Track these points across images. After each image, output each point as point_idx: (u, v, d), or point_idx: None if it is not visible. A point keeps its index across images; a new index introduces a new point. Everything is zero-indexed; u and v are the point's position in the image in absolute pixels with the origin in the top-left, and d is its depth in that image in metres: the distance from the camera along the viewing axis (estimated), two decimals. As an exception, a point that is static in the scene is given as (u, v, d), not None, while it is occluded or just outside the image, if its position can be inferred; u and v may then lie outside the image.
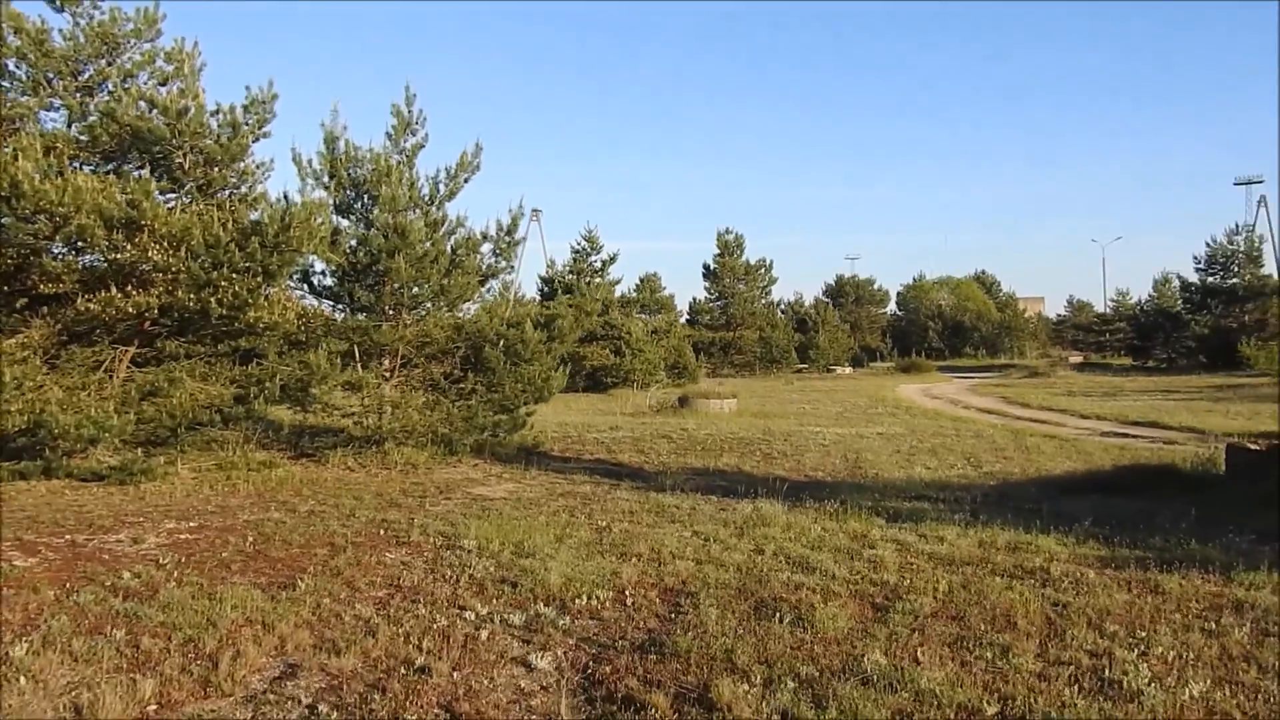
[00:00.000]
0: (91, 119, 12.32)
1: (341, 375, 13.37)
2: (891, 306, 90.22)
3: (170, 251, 11.13)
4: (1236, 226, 55.44)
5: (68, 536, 8.21)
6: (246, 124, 12.81)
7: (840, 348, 63.56)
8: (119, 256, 11.04)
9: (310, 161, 14.50)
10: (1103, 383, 38.23)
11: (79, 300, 11.19)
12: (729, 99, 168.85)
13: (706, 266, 62.02)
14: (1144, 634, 5.32)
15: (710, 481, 12.04)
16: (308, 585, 6.65)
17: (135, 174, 12.22)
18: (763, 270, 63.65)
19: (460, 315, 15.06)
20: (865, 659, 4.92)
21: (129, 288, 11.30)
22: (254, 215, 12.77)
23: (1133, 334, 61.71)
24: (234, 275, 11.51)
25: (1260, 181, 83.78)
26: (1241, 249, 53.68)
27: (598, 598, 6.28)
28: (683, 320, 56.34)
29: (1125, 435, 18.24)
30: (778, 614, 5.73)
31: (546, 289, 39.55)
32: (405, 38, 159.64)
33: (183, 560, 7.47)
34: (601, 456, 15.00)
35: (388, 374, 14.75)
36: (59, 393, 10.68)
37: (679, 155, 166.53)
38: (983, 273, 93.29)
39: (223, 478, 11.98)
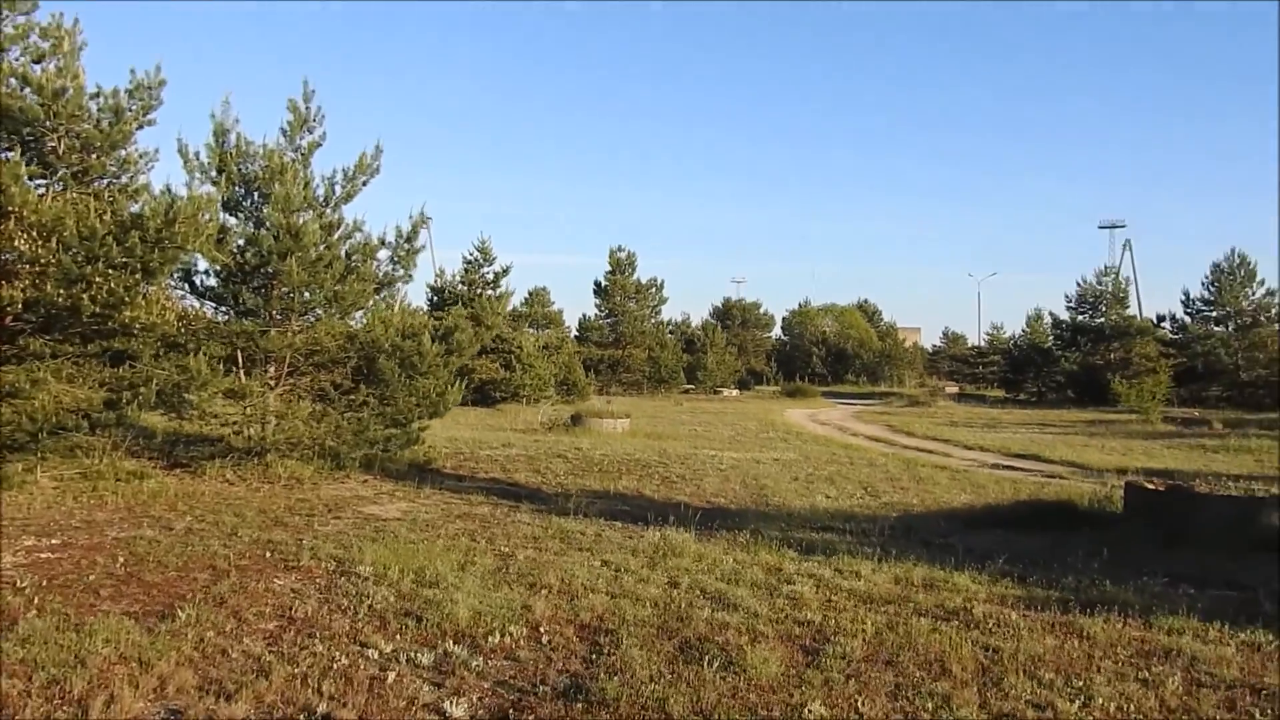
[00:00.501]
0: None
1: (223, 382, 12.58)
2: (777, 331, 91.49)
3: (39, 242, 10.26)
4: (1105, 268, 57.96)
5: (-91, 554, 7.37)
6: (130, 109, 11.97)
7: (727, 370, 63.97)
8: (-19, 247, 10.14)
9: (197, 154, 13.69)
10: (981, 414, 39.26)
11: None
12: (626, 117, 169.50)
13: (598, 283, 61.77)
14: (1080, 683, 5.16)
15: (612, 506, 11.68)
16: (189, 615, 6.06)
17: (3, 156, 11.30)
18: (654, 289, 63.73)
19: (353, 324, 14.37)
20: (807, 710, 4.63)
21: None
22: (134, 207, 11.93)
23: (1006, 367, 63.80)
24: (110, 271, 10.70)
25: (1123, 226, 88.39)
26: (1109, 290, 56.06)
27: (511, 634, 5.86)
28: (571, 336, 55.93)
29: (1012, 468, 18.55)
30: (705, 656, 5.41)
31: (436, 299, 38.67)
32: (303, 37, 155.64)
33: (44, 584, 6.76)
34: (497, 475, 14.49)
35: (273, 382, 13.97)
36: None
37: (573, 170, 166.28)
38: (865, 301, 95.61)
39: (88, 489, 11.13)
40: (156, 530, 8.98)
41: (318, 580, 7.32)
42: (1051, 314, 59.77)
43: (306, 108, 14.57)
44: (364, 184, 14.92)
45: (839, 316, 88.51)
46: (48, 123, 11.40)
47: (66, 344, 11.91)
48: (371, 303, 14.71)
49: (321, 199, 14.52)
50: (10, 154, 11.45)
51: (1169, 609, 6.59)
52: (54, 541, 8.16)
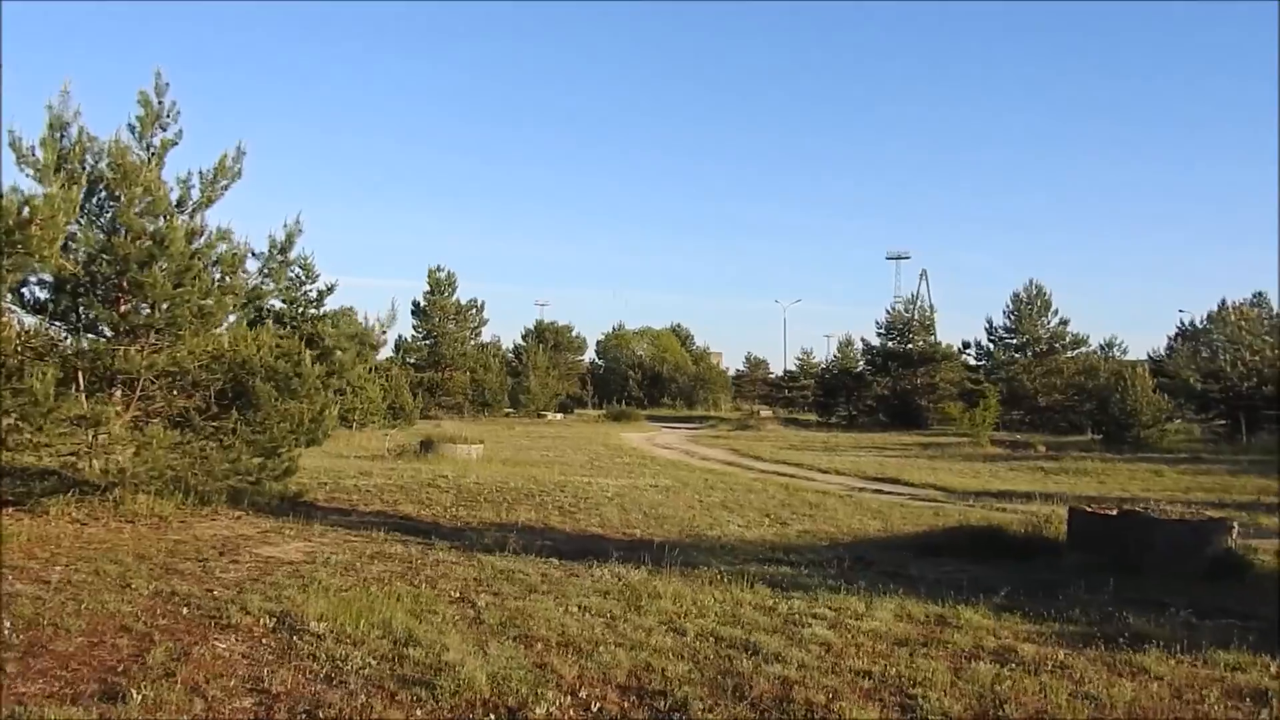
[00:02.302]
0: None
1: (70, 407, 10.96)
2: (590, 354, 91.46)
3: None
4: (913, 296, 60.94)
5: None
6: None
7: (549, 393, 63.26)
8: None
9: (32, 149, 11.96)
10: (810, 437, 40.19)
11: None
12: (437, 145, 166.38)
13: (416, 304, 59.99)
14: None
15: (529, 540, 10.77)
16: (143, 696, 4.90)
17: None
18: (474, 311, 62.45)
19: (217, 342, 12.90)
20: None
21: None
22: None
23: (820, 392, 65.88)
24: (-52, 278, 9.11)
25: (908, 258, 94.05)
26: (915, 318, 58.91)
27: (552, 702, 5.02)
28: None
29: (882, 492, 18.72)
30: (795, 720, 4.77)
31: (254, 315, 36.18)
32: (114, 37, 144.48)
33: (-74, 663, 5.40)
34: (380, 509, 13.31)
35: (120, 408, 12.33)
36: None
37: (388, 190, 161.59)
38: (678, 326, 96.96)
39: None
40: (30, 584, 7.54)
41: (265, 641, 6.22)
42: (863, 340, 62.23)
43: (160, 102, 13.01)
44: (224, 189, 13.47)
45: (654, 340, 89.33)
46: None
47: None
48: (234, 318, 13.28)
49: (175, 202, 13.00)
50: None
51: (1218, 642, 6.40)
52: (-87, 604, 6.66)
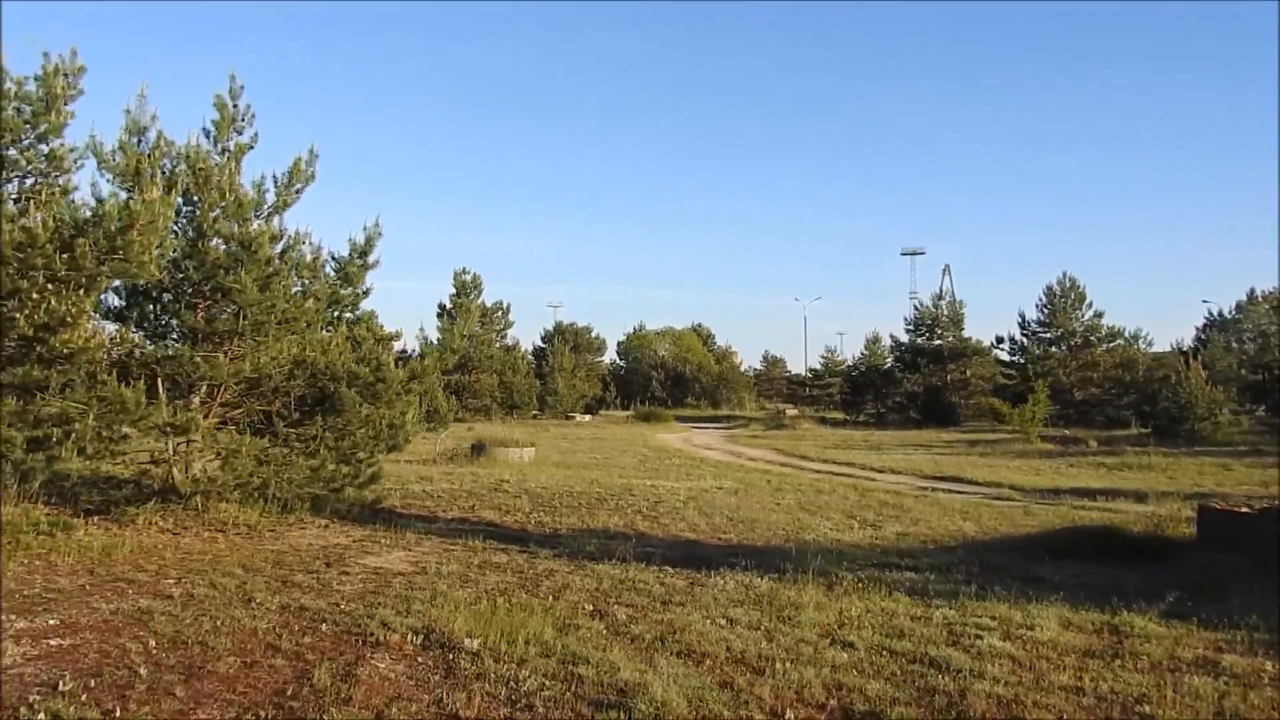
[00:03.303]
0: None
1: (159, 415, 10.76)
2: (609, 355, 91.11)
3: (-32, 251, 8.38)
4: (940, 291, 60.40)
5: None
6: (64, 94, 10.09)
7: (575, 394, 63.03)
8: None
9: (113, 154, 11.76)
10: (848, 436, 39.81)
11: None
12: (445, 146, 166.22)
13: (442, 306, 59.75)
14: None
15: (629, 547, 10.52)
16: (336, 724, 4.66)
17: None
18: (500, 313, 62.32)
19: (299, 346, 12.67)
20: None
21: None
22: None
23: (847, 389, 65.38)
24: (49, 286, 8.89)
25: (923, 253, 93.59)
26: (945, 313, 58.37)
27: (766, 728, 4.75)
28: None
29: (954, 491, 18.35)
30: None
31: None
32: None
33: (92, 685, 5.16)
34: (461, 515, 13.06)
35: (204, 415, 12.12)
36: None
37: (407, 197, 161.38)
38: (699, 325, 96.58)
39: (16, 546, 9.16)
40: (153, 599, 7.31)
41: (421, 660, 5.98)
42: (892, 336, 61.73)
43: (234, 105, 12.78)
44: (299, 192, 13.23)
45: (676, 340, 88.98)
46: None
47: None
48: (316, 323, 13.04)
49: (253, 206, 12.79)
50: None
51: None
52: (50, 621, 6.42)
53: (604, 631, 6.73)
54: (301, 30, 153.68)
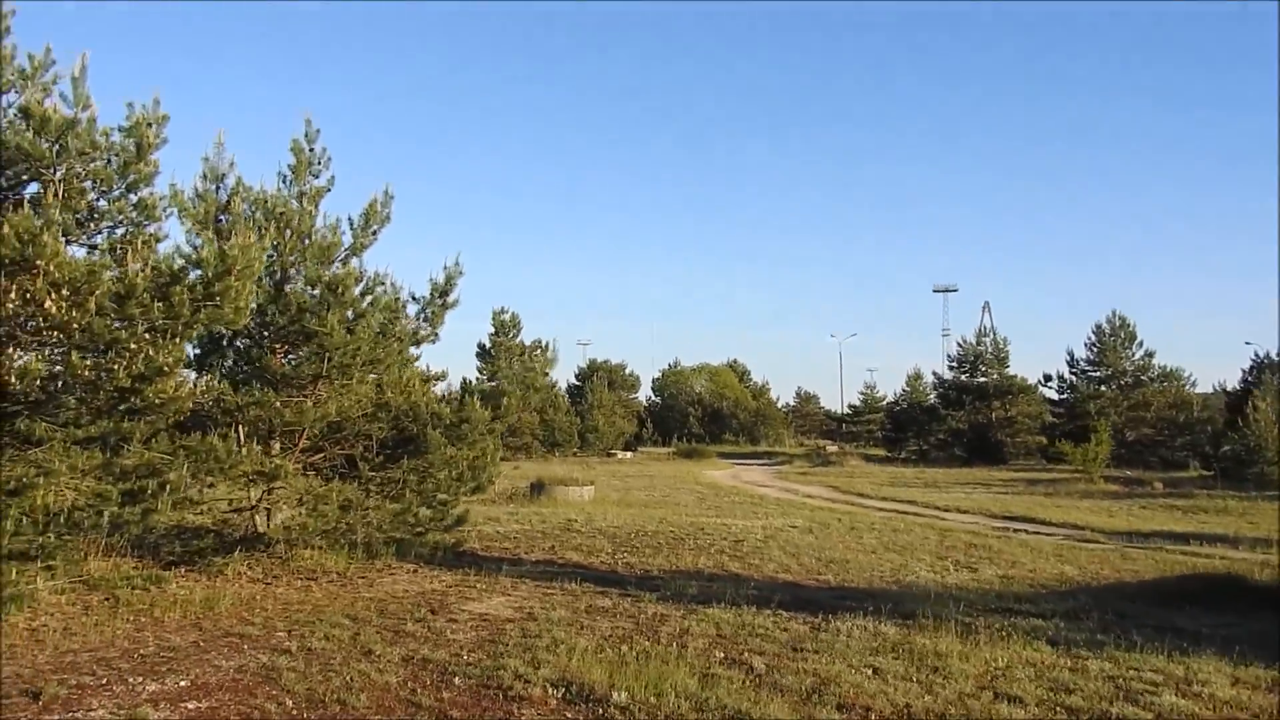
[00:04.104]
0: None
1: (251, 463, 10.58)
2: (644, 391, 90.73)
3: (71, 304, 8.23)
4: (982, 328, 59.77)
5: None
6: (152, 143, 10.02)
7: (615, 431, 62.72)
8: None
9: (192, 202, 11.72)
10: (899, 474, 39.28)
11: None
12: (466, 179, 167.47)
13: (481, 346, 59.82)
14: None
15: (729, 589, 10.21)
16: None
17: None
18: (539, 351, 62.24)
19: (381, 389, 12.52)
20: None
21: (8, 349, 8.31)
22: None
23: (889, 426, 64.65)
24: (146, 336, 8.77)
25: (955, 290, 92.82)
26: (989, 350, 57.71)
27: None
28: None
29: (1036, 533, 17.84)
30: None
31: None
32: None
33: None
34: (545, 557, 12.78)
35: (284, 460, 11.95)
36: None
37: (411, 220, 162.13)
38: (735, 361, 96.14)
39: (102, 601, 8.99)
40: (272, 654, 7.08)
41: (569, 715, 5.71)
42: (935, 373, 61.08)
43: (311, 149, 12.75)
44: (375, 233, 13.14)
45: (712, 376, 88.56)
46: (54, 160, 9.37)
47: (72, 427, 9.76)
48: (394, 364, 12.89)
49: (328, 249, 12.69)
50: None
51: None
52: (181, 682, 6.20)
53: (747, 682, 6.43)
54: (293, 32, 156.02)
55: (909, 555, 13.68)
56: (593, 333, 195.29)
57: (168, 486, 9.47)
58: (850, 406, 76.41)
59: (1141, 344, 49.89)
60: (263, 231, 10.66)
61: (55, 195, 8.48)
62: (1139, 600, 10.09)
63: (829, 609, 9.12)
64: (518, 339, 60.66)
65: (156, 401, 9.62)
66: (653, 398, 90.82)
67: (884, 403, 70.84)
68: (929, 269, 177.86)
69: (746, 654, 7.29)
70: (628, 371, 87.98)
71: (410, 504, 11.83)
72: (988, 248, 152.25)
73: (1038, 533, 17.78)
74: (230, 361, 12.72)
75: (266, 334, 11.70)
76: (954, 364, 58.49)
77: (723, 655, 7.23)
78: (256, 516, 11.97)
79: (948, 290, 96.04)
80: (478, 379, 60.73)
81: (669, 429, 79.78)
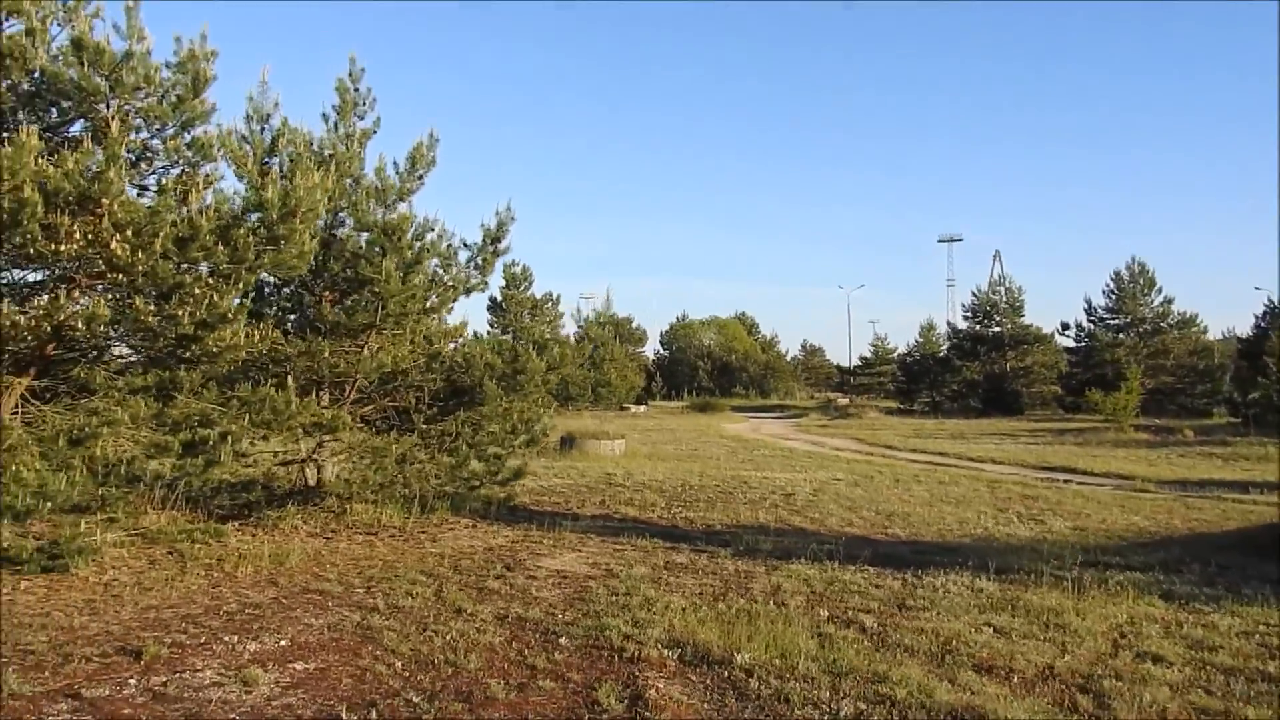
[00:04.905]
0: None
1: (309, 414, 10.26)
2: (651, 346, 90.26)
3: (135, 246, 7.85)
4: (996, 277, 59.27)
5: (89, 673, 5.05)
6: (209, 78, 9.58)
7: (627, 385, 62.45)
8: (62, 249, 7.61)
9: (239, 142, 11.27)
10: (920, 425, 39.04)
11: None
12: (487, 138, 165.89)
13: (493, 299, 59.43)
14: None
15: (799, 544, 9.95)
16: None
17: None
18: (549, 304, 61.80)
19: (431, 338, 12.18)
20: None
21: (70, 293, 7.96)
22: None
23: (902, 377, 64.34)
24: (210, 280, 8.40)
25: (960, 240, 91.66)
26: (1004, 300, 57.26)
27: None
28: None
29: (1084, 484, 17.56)
30: None
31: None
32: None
33: (374, 718, 4.63)
34: (598, 512, 12.50)
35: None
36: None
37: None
38: (743, 314, 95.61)
39: (165, 554, 8.75)
40: (358, 611, 6.80)
41: (693, 678, 5.41)
42: (949, 323, 60.70)
43: (355, 89, 12.27)
44: (421, 178, 12.70)
45: (721, 329, 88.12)
46: (107, 95, 8.93)
47: (130, 375, 9.42)
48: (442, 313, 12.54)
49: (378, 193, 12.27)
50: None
51: None
52: (281, 642, 5.91)
53: (866, 643, 6.15)
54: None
55: (967, 508, 13.40)
56: (595, 287, 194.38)
57: (228, 438, 9.17)
58: (861, 358, 76.00)
59: (1160, 290, 49.41)
60: (323, 173, 10.23)
61: (119, 130, 8.02)
62: (1231, 551, 9.81)
63: (913, 564, 8.85)
64: (529, 292, 60.28)
65: (214, 349, 9.28)
66: (660, 351, 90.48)
67: (895, 354, 70.47)
68: (931, 219, 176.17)
69: (850, 612, 7.01)
70: (634, 325, 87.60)
71: (465, 457, 11.52)
72: (994, 196, 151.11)
73: (1085, 483, 17.50)
74: (278, 310, 12.37)
75: (318, 281, 11.33)
76: (968, 314, 58.10)
77: (827, 614, 6.95)
78: (306, 470, 11.70)
79: (953, 240, 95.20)
80: (489, 332, 60.50)
81: (678, 383, 79.51)
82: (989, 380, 54.06)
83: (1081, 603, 7.20)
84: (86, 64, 8.71)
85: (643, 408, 58.84)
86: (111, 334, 8.78)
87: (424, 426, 11.67)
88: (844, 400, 68.10)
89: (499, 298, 59.13)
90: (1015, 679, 5.40)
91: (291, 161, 10.95)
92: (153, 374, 9.50)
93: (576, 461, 20.18)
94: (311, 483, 11.59)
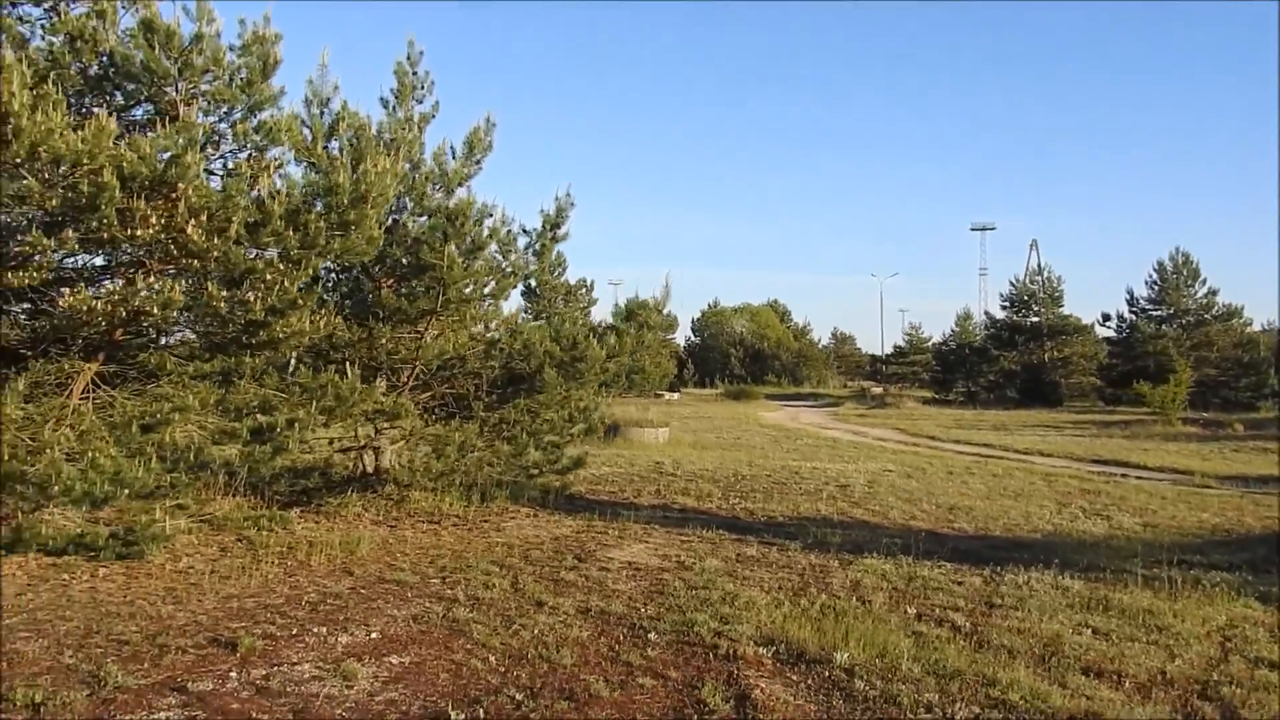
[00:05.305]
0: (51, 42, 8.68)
1: (372, 401, 10.19)
2: (683, 332, 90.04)
3: (210, 231, 7.77)
4: (1038, 267, 58.58)
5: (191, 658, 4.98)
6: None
7: (660, 372, 62.28)
8: (138, 234, 7.54)
9: (300, 125, 11.18)
10: (960, 416, 38.68)
11: (71, 295, 7.60)
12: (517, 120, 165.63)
13: (528, 285, 59.23)
14: None
15: (868, 537, 9.81)
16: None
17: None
18: (583, 290, 61.65)
19: (489, 325, 12.11)
20: None
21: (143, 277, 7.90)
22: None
23: (938, 367, 63.78)
24: (279, 266, 8.33)
25: (993, 228, 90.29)
26: (1042, 290, 56.60)
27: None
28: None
29: (1140, 478, 17.24)
30: None
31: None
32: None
33: (481, 715, 4.54)
34: (656, 502, 12.37)
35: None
36: (53, 433, 7.21)
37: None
38: (775, 301, 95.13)
39: (233, 541, 8.73)
40: (439, 603, 6.72)
41: (793, 678, 5.28)
42: (986, 313, 60.09)
43: (414, 72, 12.15)
44: (478, 162, 12.57)
45: (753, 317, 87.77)
46: (176, 78, 8.85)
47: (198, 361, 9.38)
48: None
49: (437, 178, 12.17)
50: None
51: None
52: (371, 634, 5.83)
53: (964, 643, 5.99)
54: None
55: (1028, 502, 13.18)
56: (622, 274, 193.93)
57: (295, 424, 9.11)
58: (895, 347, 75.41)
59: (1205, 281, 48.56)
60: (390, 157, 10.12)
61: (193, 113, 7.95)
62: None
63: (989, 561, 8.67)
64: (562, 278, 60.16)
65: (280, 335, 9.22)
66: (691, 338, 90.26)
67: (930, 343, 69.85)
68: (963, 208, 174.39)
69: (938, 610, 6.86)
70: (665, 312, 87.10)
71: (525, 446, 11.43)
72: (1029, 185, 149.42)
73: (1141, 478, 17.19)
74: (338, 296, 12.31)
75: (378, 267, 11.24)
76: (1006, 303, 57.42)
77: (914, 611, 6.80)
78: (364, 457, 11.66)
79: (985, 229, 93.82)
80: (523, 319, 60.37)
81: (709, 370, 79.27)
82: (1027, 371, 53.47)
83: (1176, 604, 7.02)
84: (157, 46, 8.63)
85: (676, 395, 58.76)
86: (179, 319, 8.73)
87: (483, 414, 11.59)
88: (877, 389, 67.69)
89: (534, 283, 59.07)
90: (1127, 684, 5.24)
91: (351, 146, 10.86)
92: (218, 359, 9.48)
93: (622, 449, 20.08)
94: (369, 470, 11.55)
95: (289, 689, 4.73)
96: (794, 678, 5.29)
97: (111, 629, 5.65)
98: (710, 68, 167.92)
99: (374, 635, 5.78)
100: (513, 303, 13.07)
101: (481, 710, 4.59)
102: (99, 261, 9.00)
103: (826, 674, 5.31)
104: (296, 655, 5.28)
